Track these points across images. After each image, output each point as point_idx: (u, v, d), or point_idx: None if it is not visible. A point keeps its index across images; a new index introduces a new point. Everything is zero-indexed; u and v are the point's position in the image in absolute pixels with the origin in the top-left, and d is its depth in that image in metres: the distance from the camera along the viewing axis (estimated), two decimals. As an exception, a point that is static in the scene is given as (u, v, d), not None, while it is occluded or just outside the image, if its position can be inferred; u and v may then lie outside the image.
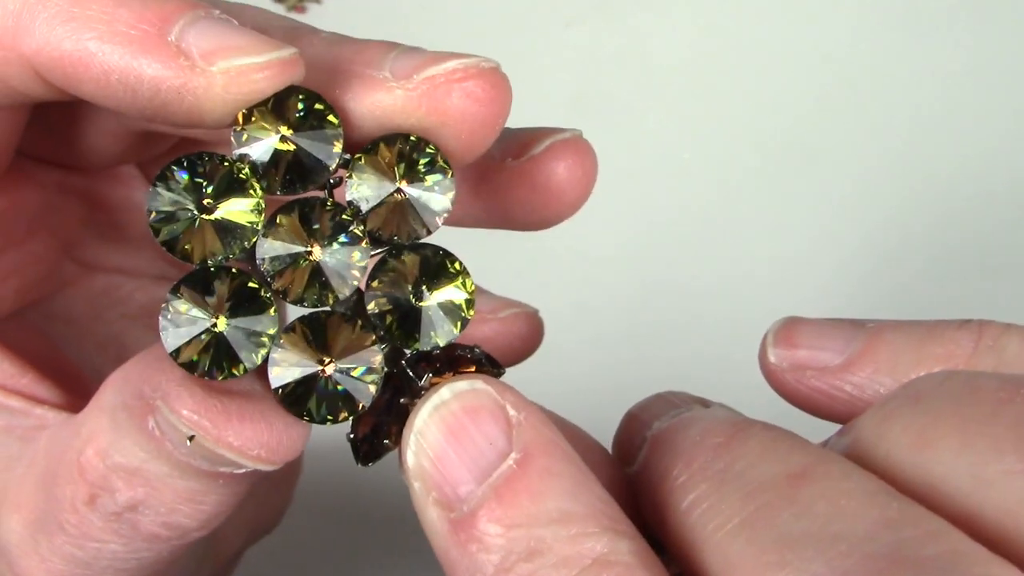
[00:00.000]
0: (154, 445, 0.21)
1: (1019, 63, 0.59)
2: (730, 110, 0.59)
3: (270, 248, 0.21)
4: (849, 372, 0.21)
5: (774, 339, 0.23)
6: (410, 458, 0.19)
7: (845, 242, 0.58)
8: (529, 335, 0.26)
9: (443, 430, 0.19)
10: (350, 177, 0.21)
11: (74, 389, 0.25)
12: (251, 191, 0.21)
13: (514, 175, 0.24)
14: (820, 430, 0.22)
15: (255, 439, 0.20)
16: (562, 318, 0.56)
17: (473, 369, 0.22)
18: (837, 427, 0.21)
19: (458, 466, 0.19)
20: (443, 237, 0.25)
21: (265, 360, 0.21)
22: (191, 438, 0.20)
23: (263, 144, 0.21)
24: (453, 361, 0.22)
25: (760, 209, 0.59)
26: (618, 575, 0.18)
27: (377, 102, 0.21)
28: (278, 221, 0.21)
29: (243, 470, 0.21)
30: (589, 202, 0.26)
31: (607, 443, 0.24)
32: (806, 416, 0.22)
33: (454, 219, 0.25)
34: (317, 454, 0.32)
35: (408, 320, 0.21)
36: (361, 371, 0.21)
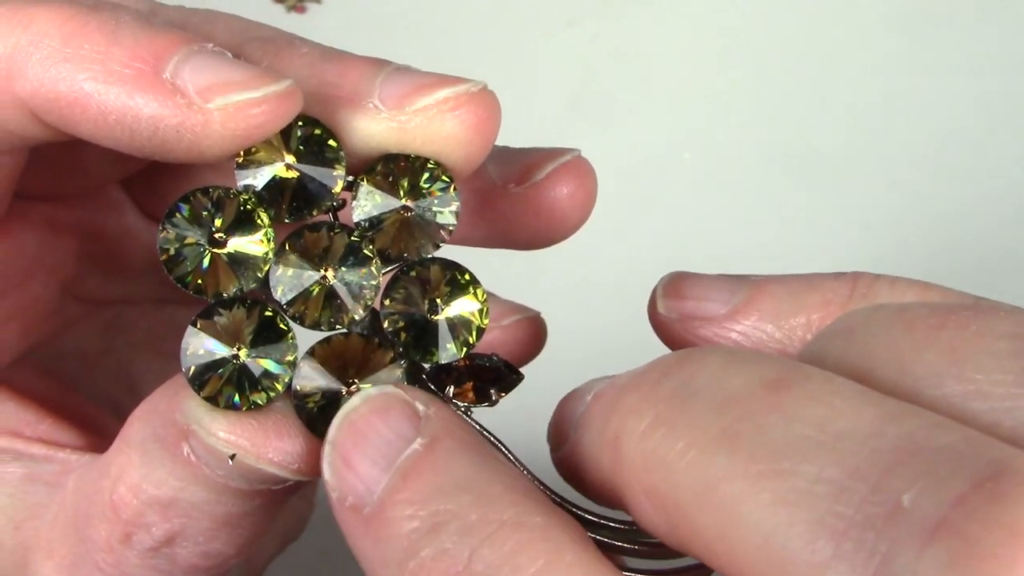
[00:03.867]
0: (190, 471, 0.21)
1: (1021, 64, 0.58)
2: (730, 110, 0.59)
3: (283, 276, 0.21)
4: (734, 320, 0.22)
5: (663, 291, 0.23)
6: (326, 471, 0.19)
7: (845, 242, 0.58)
8: (532, 339, 0.26)
9: (352, 433, 0.19)
10: (355, 199, 0.22)
11: (92, 428, 0.25)
12: (259, 221, 0.21)
13: (517, 201, 0.24)
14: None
15: (294, 453, 0.21)
16: (562, 318, 0.56)
17: (492, 377, 0.22)
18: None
19: (367, 463, 0.18)
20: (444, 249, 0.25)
21: (287, 386, 0.21)
22: (232, 457, 0.20)
23: (266, 173, 0.21)
24: (473, 371, 0.22)
25: (760, 209, 0.59)
26: (528, 539, 0.17)
27: (370, 132, 0.21)
28: (288, 248, 0.21)
29: (280, 486, 0.21)
30: None
31: None
32: None
33: (457, 240, 0.25)
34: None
35: (425, 335, 0.22)
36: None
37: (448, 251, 0.23)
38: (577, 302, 0.57)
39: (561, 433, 0.20)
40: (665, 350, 0.22)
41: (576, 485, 0.20)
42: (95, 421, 0.26)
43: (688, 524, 0.16)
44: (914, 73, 0.59)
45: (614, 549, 0.22)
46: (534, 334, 0.26)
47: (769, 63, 0.60)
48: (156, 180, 0.27)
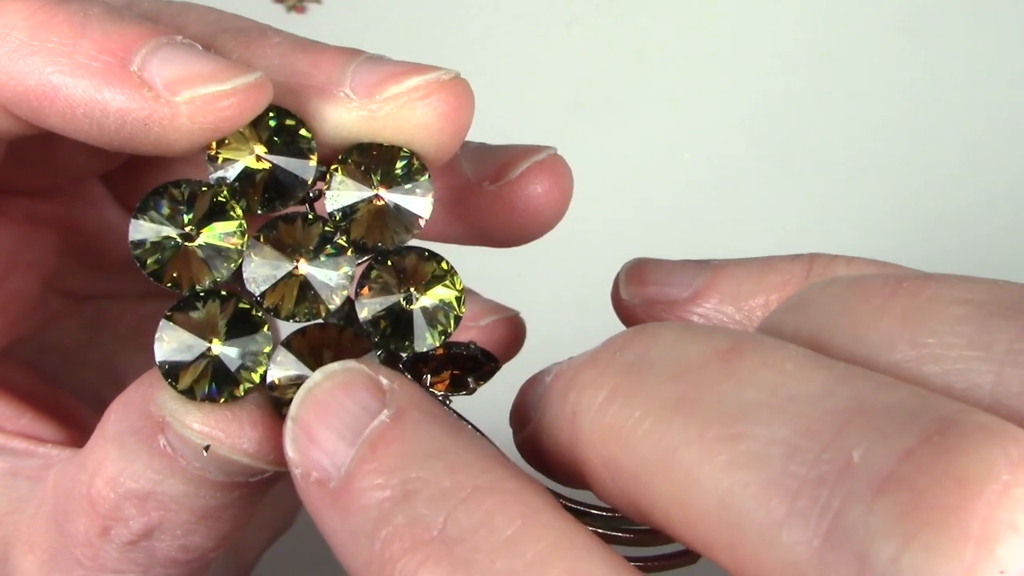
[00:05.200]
0: (167, 463, 0.21)
1: (1019, 64, 0.58)
2: (730, 110, 0.59)
3: (257, 268, 0.21)
4: (695, 303, 0.22)
5: (626, 278, 0.23)
6: (289, 447, 0.19)
7: (845, 241, 0.58)
8: (511, 339, 0.26)
9: (316, 407, 0.19)
10: (328, 189, 0.22)
11: (74, 423, 0.25)
12: (232, 213, 0.21)
13: (492, 199, 0.24)
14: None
15: (269, 443, 0.21)
16: (561, 318, 0.56)
17: (470, 365, 0.22)
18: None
19: (332, 436, 0.18)
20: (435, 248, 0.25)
21: (264, 377, 0.21)
22: (207, 448, 0.20)
23: (238, 165, 0.21)
24: (450, 359, 0.22)
25: (760, 209, 0.59)
26: (503, 501, 0.16)
27: (341, 122, 0.21)
28: (261, 240, 0.21)
29: (258, 477, 0.21)
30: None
31: None
32: None
33: (433, 236, 0.25)
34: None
35: (401, 324, 0.22)
36: None
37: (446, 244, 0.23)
38: (576, 302, 0.57)
39: (523, 415, 0.20)
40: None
41: (538, 465, 0.20)
42: (77, 416, 0.26)
43: (646, 493, 0.16)
44: (914, 73, 0.59)
45: (608, 539, 0.22)
46: (512, 334, 0.26)
47: (769, 63, 0.59)
48: (136, 175, 0.27)
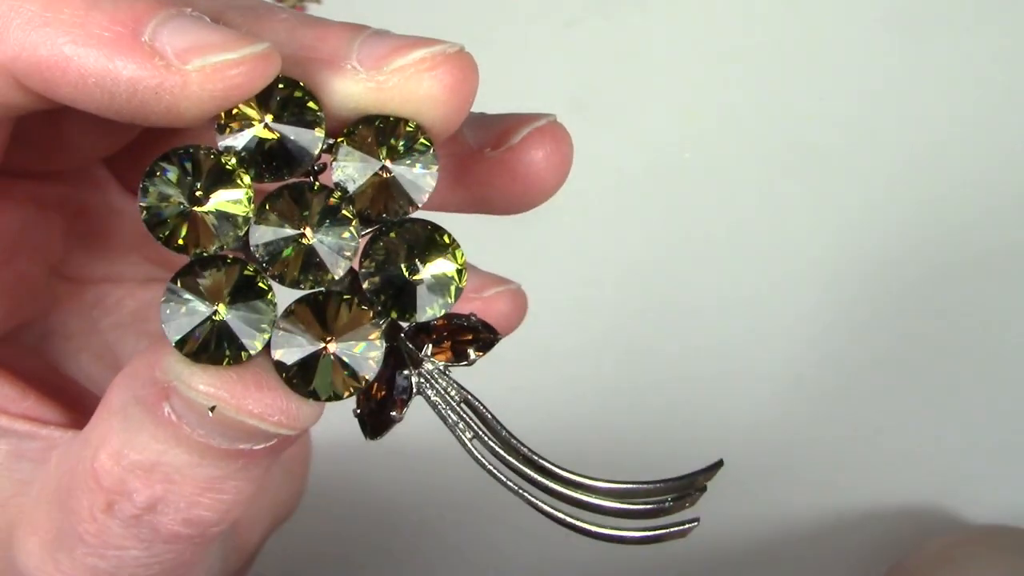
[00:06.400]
0: (171, 431, 0.21)
1: (1021, 63, 0.59)
2: (730, 110, 0.60)
3: (263, 235, 0.21)
4: None
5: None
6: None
7: (845, 241, 0.58)
8: (512, 312, 0.26)
9: None
10: (335, 160, 0.22)
11: (76, 407, 0.25)
12: (239, 181, 0.21)
13: (493, 165, 0.25)
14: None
15: (274, 405, 0.21)
16: (560, 317, 0.57)
17: (471, 337, 0.22)
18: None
19: None
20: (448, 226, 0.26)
21: (267, 344, 0.21)
22: (212, 409, 0.21)
23: (247, 134, 0.21)
24: (451, 331, 0.22)
25: (760, 209, 0.59)
26: None
27: (348, 93, 0.22)
28: (268, 208, 0.21)
29: (262, 445, 0.22)
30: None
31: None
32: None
33: (435, 205, 0.25)
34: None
35: (403, 294, 0.22)
36: (362, 347, 0.21)
37: (452, 226, 0.23)
38: (575, 302, 0.57)
39: None
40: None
41: None
42: (80, 399, 0.26)
43: None
44: (914, 72, 0.59)
45: (599, 510, 0.22)
46: (514, 307, 0.26)
47: (769, 63, 0.60)
48: (140, 158, 0.28)
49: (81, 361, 0.29)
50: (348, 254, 0.21)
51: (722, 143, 0.59)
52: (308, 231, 0.21)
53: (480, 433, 0.22)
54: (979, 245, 0.57)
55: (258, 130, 0.21)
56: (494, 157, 0.24)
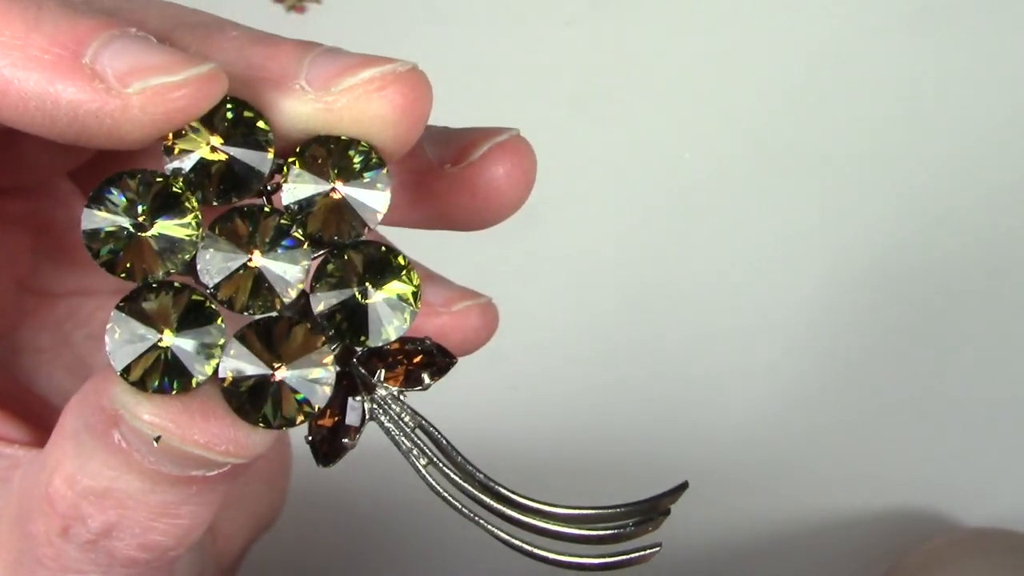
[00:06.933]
0: (122, 458, 0.21)
1: (1018, 66, 0.58)
2: (730, 110, 0.59)
3: (211, 260, 0.21)
4: None
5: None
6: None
7: (845, 242, 0.58)
8: (482, 327, 0.26)
9: None
10: (285, 182, 0.21)
11: (42, 424, 0.25)
12: (186, 204, 0.21)
13: (453, 181, 0.24)
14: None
15: (221, 434, 0.21)
16: (560, 317, 0.56)
17: (426, 361, 0.22)
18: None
19: None
20: (425, 242, 0.25)
21: (216, 371, 0.21)
22: (157, 439, 0.20)
23: (194, 156, 0.21)
24: (405, 355, 0.22)
25: (760, 209, 0.59)
26: None
27: (297, 114, 0.21)
28: (216, 232, 0.21)
29: (214, 472, 0.21)
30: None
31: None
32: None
33: (395, 221, 0.25)
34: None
35: (356, 318, 0.21)
36: (313, 373, 0.21)
37: (442, 240, 0.22)
38: (575, 301, 0.57)
39: None
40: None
41: None
42: (45, 416, 0.26)
43: None
44: (915, 73, 0.58)
45: (559, 536, 0.22)
46: (484, 321, 0.26)
47: (769, 63, 0.59)
48: (105, 171, 0.27)
49: (53, 375, 0.28)
50: (299, 277, 0.21)
51: (722, 143, 0.58)
52: (257, 255, 0.21)
53: (435, 459, 0.22)
54: (979, 245, 0.57)
55: (205, 152, 0.21)
56: (454, 173, 0.24)
